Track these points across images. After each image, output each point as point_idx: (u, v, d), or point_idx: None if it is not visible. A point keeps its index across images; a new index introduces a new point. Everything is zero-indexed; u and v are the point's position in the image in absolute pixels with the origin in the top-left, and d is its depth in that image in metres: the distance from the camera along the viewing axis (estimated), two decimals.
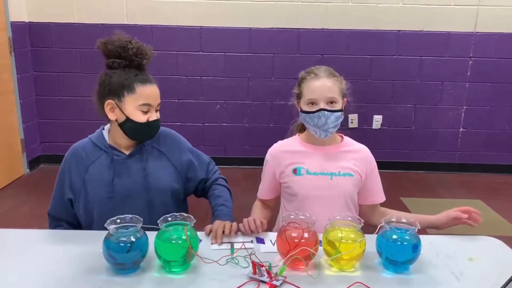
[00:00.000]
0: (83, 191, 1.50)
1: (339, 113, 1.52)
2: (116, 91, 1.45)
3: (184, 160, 1.60)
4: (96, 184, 1.49)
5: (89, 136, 1.58)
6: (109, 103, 1.47)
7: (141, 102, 1.44)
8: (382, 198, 1.66)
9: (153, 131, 1.51)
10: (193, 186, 1.66)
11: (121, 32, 1.47)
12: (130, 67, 1.45)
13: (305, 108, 1.53)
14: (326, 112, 1.49)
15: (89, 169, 1.51)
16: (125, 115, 1.46)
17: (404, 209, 3.24)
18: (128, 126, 1.47)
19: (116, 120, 1.48)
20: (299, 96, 1.57)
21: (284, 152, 1.63)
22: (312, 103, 1.52)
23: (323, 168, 1.58)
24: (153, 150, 1.56)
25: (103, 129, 1.58)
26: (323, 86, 1.50)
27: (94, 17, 3.84)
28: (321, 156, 1.59)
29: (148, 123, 1.46)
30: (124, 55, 1.44)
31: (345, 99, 1.57)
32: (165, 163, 1.56)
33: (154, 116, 1.47)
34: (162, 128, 1.61)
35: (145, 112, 1.45)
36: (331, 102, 1.51)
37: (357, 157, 1.60)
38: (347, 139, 1.65)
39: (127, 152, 1.53)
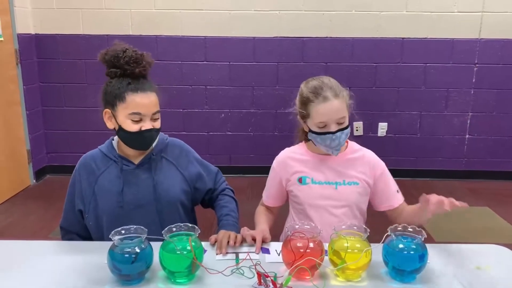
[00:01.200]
0: (93, 202, 1.51)
1: (348, 128, 1.51)
2: (110, 100, 1.45)
3: (192, 170, 1.61)
4: (106, 194, 1.50)
5: (98, 146, 1.58)
6: (106, 112, 1.49)
7: (130, 111, 1.43)
8: (397, 201, 1.59)
9: (146, 140, 1.48)
10: (201, 196, 1.66)
11: (120, 42, 1.48)
12: (124, 76, 1.45)
13: (315, 129, 1.51)
14: (338, 133, 1.48)
15: (98, 179, 1.51)
16: (118, 124, 1.46)
17: None
18: (121, 135, 1.48)
19: (114, 128, 1.50)
20: (305, 116, 1.53)
21: (291, 160, 1.63)
22: (323, 126, 1.49)
23: (328, 177, 1.57)
24: (162, 160, 1.56)
25: (113, 139, 1.58)
26: (333, 109, 1.47)
27: (100, 29, 3.87)
28: (326, 165, 1.59)
29: (140, 132, 1.44)
30: (117, 65, 1.44)
31: (350, 108, 1.56)
32: (174, 173, 1.57)
33: (148, 125, 1.44)
34: (170, 138, 1.62)
35: (137, 121, 1.44)
36: (341, 122, 1.49)
37: (362, 163, 1.59)
38: (351, 145, 1.63)
39: (136, 162, 1.53)
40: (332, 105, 1.47)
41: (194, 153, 1.66)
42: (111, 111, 1.47)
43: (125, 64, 1.43)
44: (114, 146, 1.56)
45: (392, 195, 1.60)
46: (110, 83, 1.46)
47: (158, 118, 1.49)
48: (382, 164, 1.62)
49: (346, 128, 1.50)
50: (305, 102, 1.51)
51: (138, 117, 1.43)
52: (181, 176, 1.58)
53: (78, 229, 1.58)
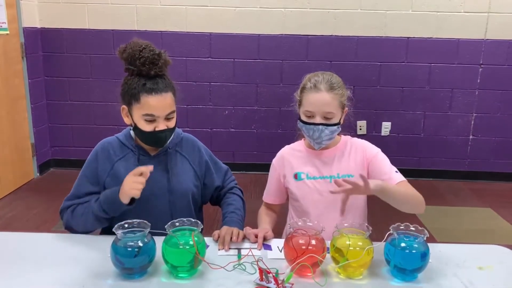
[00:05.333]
0: (108, 187, 1.51)
1: (335, 126, 1.52)
2: (127, 99, 1.47)
3: (203, 166, 1.63)
4: (122, 181, 1.49)
5: (115, 134, 1.60)
6: (123, 108, 1.51)
7: (144, 112, 1.44)
8: (394, 180, 1.50)
9: (160, 140, 1.50)
10: (209, 193, 1.68)
11: (138, 39, 1.47)
12: (140, 75, 1.45)
13: (303, 117, 1.54)
14: (320, 126, 1.49)
15: (115, 165, 1.53)
16: (134, 122, 1.48)
17: (413, 216, 3.21)
18: (136, 132, 1.51)
19: (131, 124, 1.52)
20: (299, 103, 1.57)
21: (288, 156, 1.65)
22: (309, 115, 1.51)
23: (322, 172, 1.58)
24: (176, 154, 1.59)
25: (131, 129, 1.58)
26: (320, 100, 1.48)
27: (105, 23, 3.88)
28: (321, 160, 1.60)
29: (154, 132, 1.46)
30: (133, 64, 1.44)
31: (345, 109, 1.56)
32: (187, 167, 1.59)
33: (161, 126, 1.46)
34: (184, 133, 1.65)
35: (150, 122, 1.45)
36: (328, 117, 1.50)
37: (354, 153, 1.59)
38: (344, 138, 1.64)
39: (152, 154, 1.56)
40: (322, 97, 1.48)
41: (206, 150, 1.68)
42: (128, 108, 1.49)
43: (140, 65, 1.43)
44: (132, 136, 1.58)
45: (388, 176, 1.51)
46: (128, 80, 1.47)
47: (172, 118, 1.49)
48: (374, 149, 1.59)
49: (332, 125, 1.50)
50: (302, 89, 1.55)
51: (151, 118, 1.45)
52: (193, 171, 1.60)
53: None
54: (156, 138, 1.48)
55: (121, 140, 1.57)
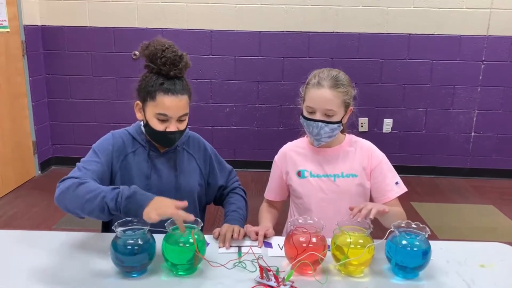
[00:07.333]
0: (118, 177, 1.50)
1: (336, 125, 1.50)
2: (143, 95, 1.47)
3: (207, 165, 1.64)
4: (133, 175, 1.50)
5: (126, 128, 1.59)
6: (137, 104, 1.51)
7: (157, 111, 1.44)
8: (393, 194, 1.53)
9: (169, 141, 1.50)
10: (213, 192, 1.68)
11: (162, 38, 1.48)
12: (159, 74, 1.45)
13: (305, 112, 1.53)
14: (320, 123, 1.49)
15: (127, 157, 1.52)
16: (146, 119, 1.48)
17: (415, 214, 3.22)
18: (147, 129, 1.51)
19: (142, 120, 1.52)
20: (303, 99, 1.56)
21: (291, 153, 1.64)
22: (310, 111, 1.51)
23: (326, 170, 1.58)
24: (184, 152, 1.60)
25: (141, 125, 1.57)
26: (322, 97, 1.48)
27: (106, 21, 3.87)
28: (324, 158, 1.59)
29: (164, 132, 1.46)
30: (154, 62, 1.44)
31: (350, 108, 1.55)
32: (193, 166, 1.60)
33: (173, 127, 1.45)
34: (191, 132, 1.65)
35: (163, 121, 1.45)
36: (329, 114, 1.49)
37: (360, 155, 1.59)
38: (349, 137, 1.63)
39: (162, 151, 1.56)
40: (323, 93, 1.48)
41: (212, 149, 1.69)
42: (142, 104, 1.49)
43: (161, 64, 1.43)
44: (143, 131, 1.57)
45: (389, 188, 1.54)
46: (146, 77, 1.47)
47: (184, 120, 1.50)
48: (379, 154, 1.59)
49: (332, 123, 1.49)
50: (306, 85, 1.54)
51: (164, 118, 1.45)
52: (198, 170, 1.61)
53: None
54: (166, 138, 1.48)
55: (132, 135, 1.56)
